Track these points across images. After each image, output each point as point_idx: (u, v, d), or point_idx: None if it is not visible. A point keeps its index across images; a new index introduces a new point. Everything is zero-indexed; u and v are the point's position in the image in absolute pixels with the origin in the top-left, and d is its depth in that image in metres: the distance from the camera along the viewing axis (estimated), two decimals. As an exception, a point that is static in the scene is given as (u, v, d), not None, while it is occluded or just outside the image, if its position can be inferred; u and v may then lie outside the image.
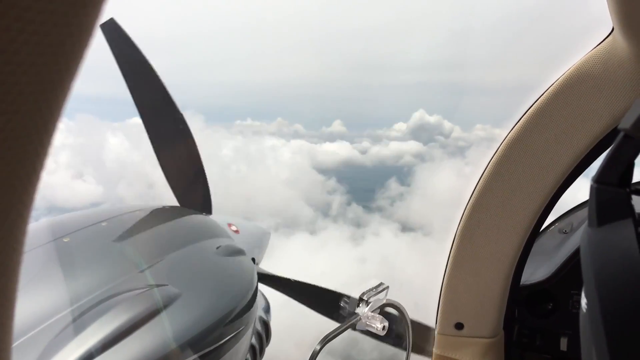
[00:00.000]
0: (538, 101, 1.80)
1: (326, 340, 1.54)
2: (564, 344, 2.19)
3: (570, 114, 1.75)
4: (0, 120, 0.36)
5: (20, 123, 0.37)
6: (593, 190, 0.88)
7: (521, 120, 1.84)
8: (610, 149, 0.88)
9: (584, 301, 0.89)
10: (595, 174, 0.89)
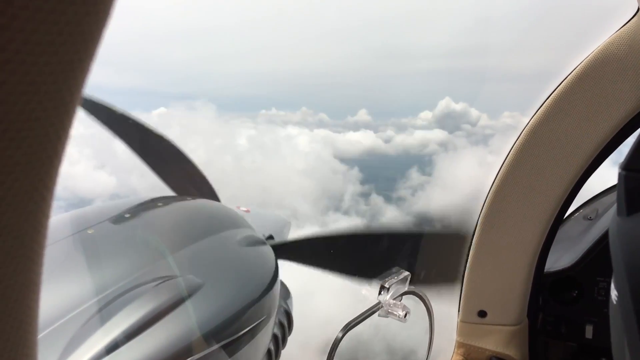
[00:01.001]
0: (560, 86, 1.77)
1: (348, 327, 1.54)
2: (589, 331, 2.16)
3: (594, 98, 1.72)
4: (20, 101, 0.36)
5: (40, 104, 0.37)
6: (621, 178, 0.85)
7: (543, 106, 1.81)
8: (639, 135, 0.85)
9: (614, 292, 0.86)
10: (623, 161, 0.86)
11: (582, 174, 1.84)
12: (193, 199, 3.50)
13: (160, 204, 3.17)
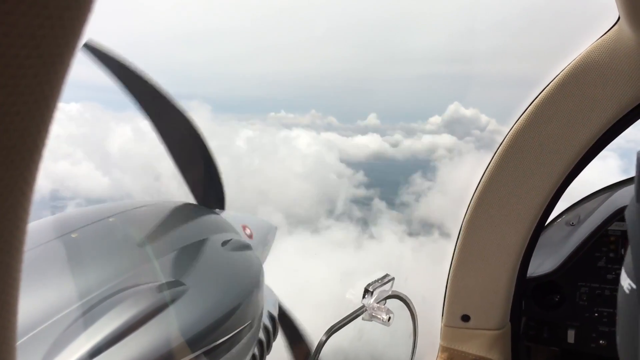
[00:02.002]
0: (543, 92, 1.79)
1: (332, 331, 1.54)
2: (571, 336, 2.18)
3: (576, 105, 1.74)
4: (0, 94, 0.36)
5: (21, 97, 0.37)
6: None
7: (526, 111, 1.83)
8: None
9: (626, 281, 0.84)
10: None
11: (565, 178, 1.86)
12: (178, 202, 3.48)
13: (144, 208, 3.15)
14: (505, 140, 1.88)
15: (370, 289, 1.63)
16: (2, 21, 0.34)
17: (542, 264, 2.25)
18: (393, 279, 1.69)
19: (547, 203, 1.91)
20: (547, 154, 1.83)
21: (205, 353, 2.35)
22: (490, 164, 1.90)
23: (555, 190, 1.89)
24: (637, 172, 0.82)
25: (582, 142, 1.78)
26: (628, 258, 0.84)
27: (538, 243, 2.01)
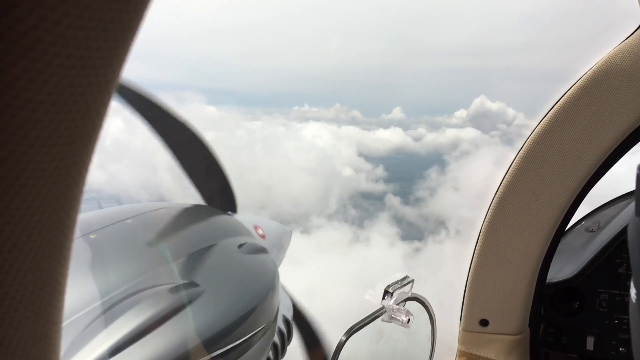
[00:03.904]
0: (565, 96, 1.79)
1: (352, 331, 1.54)
2: (590, 343, 2.16)
3: (598, 109, 1.73)
4: (68, 75, 0.37)
5: (85, 79, 0.39)
6: (639, 178, 0.85)
7: (548, 115, 1.83)
8: None
9: (633, 291, 0.87)
10: None
11: (585, 184, 1.86)
12: (194, 205, 3.51)
13: (161, 210, 3.17)
14: (526, 144, 1.87)
15: (390, 290, 1.63)
16: (76, 2, 0.35)
17: (561, 270, 2.24)
18: (413, 280, 1.70)
19: (568, 208, 1.90)
20: (568, 158, 1.82)
21: (221, 355, 2.35)
22: (511, 168, 1.90)
23: (576, 195, 1.88)
24: (636, 185, 0.84)
25: (604, 147, 1.77)
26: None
27: (557, 249, 2.00)
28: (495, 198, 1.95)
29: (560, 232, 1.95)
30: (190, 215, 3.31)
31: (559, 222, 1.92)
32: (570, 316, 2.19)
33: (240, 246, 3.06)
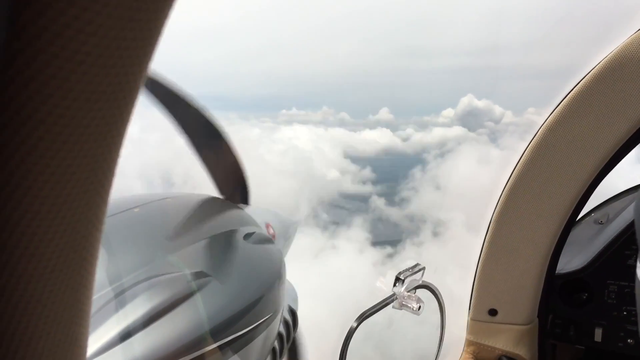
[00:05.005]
0: (578, 86, 1.78)
1: (363, 317, 1.54)
2: (598, 334, 2.16)
3: (611, 99, 1.73)
4: (101, 73, 0.38)
5: (116, 77, 0.39)
6: None
7: (560, 105, 1.82)
8: None
9: (639, 270, 0.87)
10: None
11: (597, 175, 1.85)
12: (200, 195, 3.51)
13: (168, 200, 3.18)
14: (537, 134, 1.87)
15: (402, 277, 1.63)
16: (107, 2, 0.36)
17: (569, 262, 2.23)
18: (424, 268, 1.69)
19: (578, 199, 1.89)
20: (580, 149, 1.81)
21: (232, 341, 2.36)
22: (522, 158, 1.90)
23: (587, 186, 1.87)
24: None
25: (616, 138, 1.76)
26: None
27: (566, 240, 2.00)
28: (506, 188, 1.95)
29: (570, 223, 1.95)
30: (196, 205, 3.31)
31: (570, 212, 1.91)
32: (578, 308, 2.19)
33: (246, 236, 3.07)
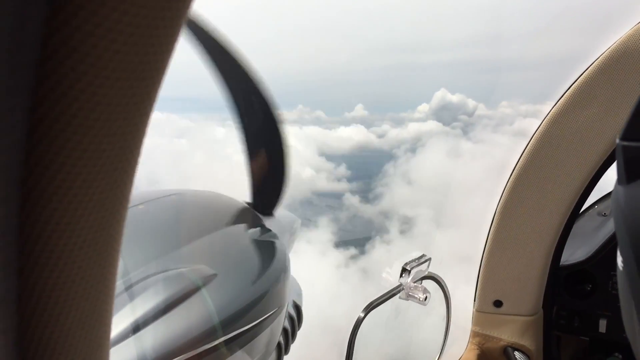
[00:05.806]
0: (582, 77, 1.79)
1: (370, 307, 1.56)
2: (602, 325, 2.17)
3: (615, 90, 1.74)
4: (122, 77, 0.39)
5: (136, 82, 0.41)
6: (619, 149, 0.87)
7: (564, 96, 1.83)
8: (634, 106, 0.87)
9: (619, 259, 0.88)
10: (621, 132, 0.88)
11: (601, 165, 1.86)
12: (205, 191, 3.51)
13: (173, 196, 3.19)
14: (542, 124, 1.88)
15: (408, 267, 1.64)
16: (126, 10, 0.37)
17: (573, 254, 2.24)
18: (430, 259, 1.71)
19: (582, 190, 1.90)
20: (583, 141, 1.82)
21: (238, 336, 2.37)
22: (527, 148, 1.91)
23: (590, 177, 1.88)
24: (617, 158, 0.89)
25: (621, 129, 1.77)
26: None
27: (570, 232, 2.01)
28: (510, 179, 1.96)
29: (575, 214, 1.96)
30: (201, 201, 3.32)
31: (574, 203, 1.92)
32: (582, 299, 2.20)
33: (252, 231, 3.07)
